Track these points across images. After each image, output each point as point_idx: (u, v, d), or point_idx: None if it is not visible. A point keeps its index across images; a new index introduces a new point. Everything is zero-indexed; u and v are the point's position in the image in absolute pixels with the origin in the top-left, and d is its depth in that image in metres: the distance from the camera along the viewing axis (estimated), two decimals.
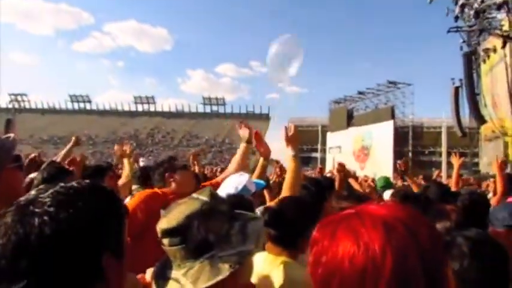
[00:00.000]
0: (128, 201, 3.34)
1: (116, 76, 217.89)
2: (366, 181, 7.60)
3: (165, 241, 1.13)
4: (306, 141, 48.87)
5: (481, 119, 22.67)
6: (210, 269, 1.07)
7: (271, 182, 5.11)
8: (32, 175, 3.86)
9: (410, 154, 41.27)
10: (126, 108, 72.28)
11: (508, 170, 17.86)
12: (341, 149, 41.31)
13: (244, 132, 3.42)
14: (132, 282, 0.96)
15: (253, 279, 1.48)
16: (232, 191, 2.63)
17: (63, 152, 5.33)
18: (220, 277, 1.06)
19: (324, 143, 45.94)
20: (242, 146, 3.43)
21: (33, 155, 4.59)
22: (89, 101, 73.37)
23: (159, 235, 1.15)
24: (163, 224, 1.14)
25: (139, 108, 72.12)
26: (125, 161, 4.43)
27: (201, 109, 70.92)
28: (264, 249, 1.94)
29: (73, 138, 5.68)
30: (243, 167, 3.26)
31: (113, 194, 0.94)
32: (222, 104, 70.83)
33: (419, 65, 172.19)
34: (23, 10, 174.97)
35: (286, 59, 4.31)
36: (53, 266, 0.76)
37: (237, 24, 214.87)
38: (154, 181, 3.31)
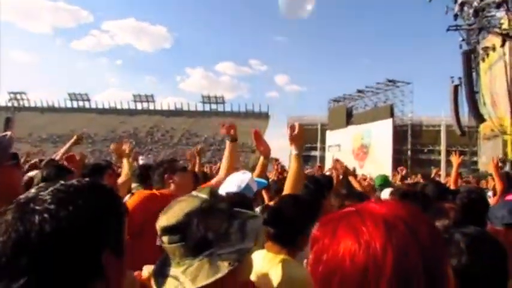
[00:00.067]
0: (127, 201, 3.35)
1: (115, 74, 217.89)
2: (365, 179, 7.62)
3: (165, 239, 1.13)
4: (305, 139, 48.57)
5: (480, 118, 22.69)
6: (209, 267, 1.07)
7: (270, 180, 5.11)
8: (31, 173, 3.86)
9: (409, 152, 41.36)
10: (125, 107, 72.20)
11: (506, 169, 17.90)
12: (340, 148, 41.41)
13: (226, 132, 3.40)
14: (129, 280, 0.96)
15: (253, 277, 1.48)
16: (234, 189, 2.63)
17: (62, 150, 5.33)
18: (219, 275, 1.06)
19: (323, 141, 46.01)
20: (227, 144, 3.40)
21: (33, 161, 4.58)
22: (88, 100, 73.34)
23: (159, 232, 1.16)
24: (162, 222, 1.14)
25: (139, 106, 72.09)
26: (124, 159, 4.43)
27: (200, 107, 70.95)
28: (263, 247, 1.95)
29: (75, 136, 5.67)
30: (233, 168, 3.22)
31: (112, 192, 0.94)
32: (222, 103, 70.82)
33: (418, 63, 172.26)
34: (22, 8, 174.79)
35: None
36: (53, 263, 0.76)
37: (237, 22, 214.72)
38: (153, 182, 3.31)
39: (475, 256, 1.24)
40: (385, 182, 5.83)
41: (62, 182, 0.86)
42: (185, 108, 71.53)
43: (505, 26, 19.06)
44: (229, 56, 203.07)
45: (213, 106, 70.77)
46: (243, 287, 1.25)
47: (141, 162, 7.00)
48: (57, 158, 4.69)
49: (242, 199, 1.99)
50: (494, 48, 21.54)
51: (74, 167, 3.62)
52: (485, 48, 22.39)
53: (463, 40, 21.98)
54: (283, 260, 1.86)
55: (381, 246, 0.68)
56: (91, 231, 0.81)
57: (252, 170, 3.49)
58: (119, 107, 72.38)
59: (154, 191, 3.21)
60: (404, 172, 5.50)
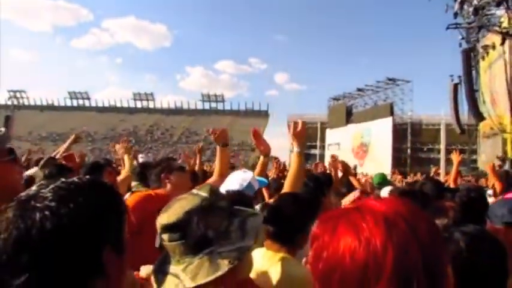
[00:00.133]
0: (126, 199, 3.35)
1: (115, 73, 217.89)
2: (365, 179, 7.63)
3: (165, 236, 1.13)
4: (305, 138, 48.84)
5: (479, 116, 22.69)
6: (209, 265, 1.08)
7: (269, 178, 5.11)
8: (30, 171, 3.87)
9: (409, 151, 41.35)
10: (125, 105, 72.11)
11: (506, 167, 17.91)
12: (340, 146, 41.42)
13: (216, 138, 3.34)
14: (130, 279, 0.96)
15: (252, 275, 1.48)
16: (236, 187, 2.63)
17: (62, 148, 5.33)
18: (219, 273, 1.06)
19: (323, 139, 46.00)
20: (218, 149, 3.32)
21: (37, 158, 4.59)
22: (88, 98, 73.23)
23: (159, 230, 1.16)
24: (163, 220, 1.14)
25: (138, 105, 72.00)
26: (125, 157, 4.43)
27: (200, 106, 70.84)
28: (263, 245, 1.95)
29: (73, 135, 5.68)
30: (225, 172, 3.19)
31: (113, 190, 0.94)
32: (221, 101, 70.74)
33: (418, 61, 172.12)
34: (22, 6, 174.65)
35: None
36: (54, 260, 0.76)
37: (236, 21, 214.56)
38: (150, 181, 3.31)
39: (475, 255, 1.24)
40: (383, 181, 5.83)
41: (63, 179, 0.86)
42: (185, 106, 71.45)
43: (505, 24, 19.05)
44: (229, 54, 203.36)
45: (213, 104, 70.74)
46: (242, 284, 1.25)
47: (140, 160, 7.00)
48: (58, 156, 4.70)
49: (242, 197, 1.99)
50: (494, 47, 21.52)
51: (73, 166, 3.63)
52: (485, 47, 22.38)
53: (463, 38, 21.97)
54: (283, 258, 1.86)
55: (381, 243, 0.68)
56: (92, 229, 0.81)
57: (252, 168, 3.49)
58: (118, 105, 72.29)
59: (150, 191, 3.21)
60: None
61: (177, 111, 69.57)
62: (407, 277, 0.67)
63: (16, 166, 1.74)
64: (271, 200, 2.46)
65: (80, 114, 68.00)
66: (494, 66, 22.38)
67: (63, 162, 3.94)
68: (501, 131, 22.43)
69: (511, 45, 20.40)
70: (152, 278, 1.17)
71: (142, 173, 4.29)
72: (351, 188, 4.65)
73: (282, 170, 6.74)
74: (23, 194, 0.84)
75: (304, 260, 1.89)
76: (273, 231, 1.93)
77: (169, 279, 1.10)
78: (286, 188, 2.59)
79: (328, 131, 45.13)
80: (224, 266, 1.07)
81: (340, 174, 5.22)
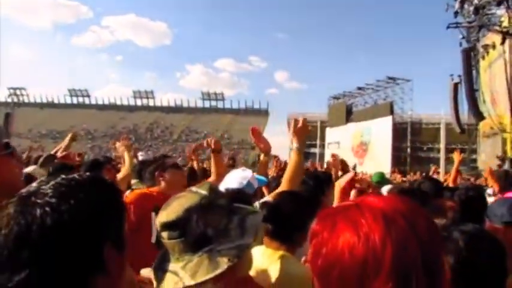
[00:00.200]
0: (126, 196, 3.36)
1: (115, 70, 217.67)
2: (362, 175, 7.63)
3: (164, 234, 1.13)
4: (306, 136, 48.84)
5: (479, 116, 22.69)
6: (208, 263, 1.08)
7: (269, 177, 5.10)
8: (29, 169, 3.87)
9: (408, 150, 41.37)
10: (125, 103, 72.01)
11: (506, 167, 17.91)
12: (340, 145, 41.42)
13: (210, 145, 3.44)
14: (129, 277, 0.96)
15: (251, 273, 1.48)
16: (236, 186, 2.63)
17: (62, 146, 5.33)
18: (218, 271, 1.06)
19: (322, 138, 46.00)
20: (212, 155, 3.45)
21: (36, 156, 4.59)
22: (88, 96, 73.11)
23: (158, 228, 1.16)
24: (162, 217, 1.14)
25: (138, 102, 71.89)
26: (125, 154, 4.44)
27: (200, 104, 70.76)
28: (262, 243, 1.95)
29: (70, 134, 5.69)
30: (222, 175, 3.22)
31: (113, 187, 0.94)
32: (221, 99, 70.64)
33: (418, 61, 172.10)
34: (22, 4, 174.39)
35: None
36: (55, 256, 0.76)
37: (237, 19, 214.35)
38: (145, 179, 3.32)
39: (474, 254, 1.24)
40: (382, 179, 5.82)
41: (63, 176, 0.87)
42: (185, 104, 71.36)
43: (505, 23, 19.04)
44: (229, 52, 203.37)
45: (213, 103, 70.65)
46: (242, 282, 1.25)
47: (140, 158, 7.00)
48: (58, 154, 4.70)
49: (242, 195, 1.99)
50: (494, 46, 21.51)
51: (72, 165, 3.64)
52: (485, 46, 22.37)
53: (463, 38, 21.96)
54: (282, 256, 1.86)
55: (380, 239, 0.68)
56: (92, 225, 0.81)
57: (252, 166, 3.50)
58: (118, 103, 72.20)
59: (145, 189, 3.22)
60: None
61: (177, 109, 69.51)
62: (406, 273, 0.67)
63: (14, 160, 1.74)
64: (270, 198, 2.45)
65: (80, 111, 67.93)
66: (494, 65, 22.37)
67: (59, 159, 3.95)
68: (501, 130, 22.44)
69: (511, 45, 20.39)
70: (152, 277, 1.17)
71: (142, 171, 4.30)
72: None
73: (282, 168, 6.72)
74: (23, 190, 0.84)
75: (303, 259, 1.89)
76: (272, 229, 1.93)
77: (169, 276, 1.11)
78: (283, 184, 2.57)
79: (328, 130, 45.13)
80: (223, 263, 1.07)
81: (340, 173, 5.21)
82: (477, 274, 1.22)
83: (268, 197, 2.59)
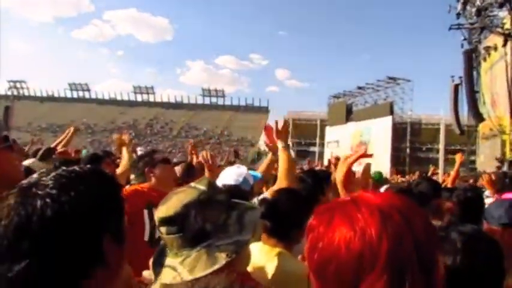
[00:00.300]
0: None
1: (116, 65, 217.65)
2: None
3: (163, 229, 1.14)
4: (304, 135, 48.89)
5: (479, 117, 22.68)
6: (207, 258, 1.08)
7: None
8: (27, 162, 3.87)
9: (408, 150, 41.42)
10: (126, 98, 71.98)
11: (504, 168, 17.92)
12: (339, 144, 41.40)
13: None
14: (127, 271, 0.96)
15: (249, 269, 1.49)
16: (232, 182, 2.64)
17: (63, 140, 5.34)
18: (217, 266, 1.06)
19: (322, 137, 46.01)
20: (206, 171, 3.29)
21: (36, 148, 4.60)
22: (88, 90, 73.05)
23: (157, 223, 1.16)
24: (161, 212, 1.15)
25: (139, 98, 71.87)
26: (124, 150, 4.44)
27: (200, 101, 70.70)
28: (260, 239, 1.96)
29: (71, 128, 5.69)
30: (217, 171, 3.20)
31: (113, 180, 0.95)
32: (222, 96, 70.56)
33: (419, 61, 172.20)
34: None
35: None
36: (55, 247, 0.77)
37: (238, 16, 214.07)
38: (135, 176, 3.30)
39: (471, 255, 1.24)
40: (380, 178, 5.85)
41: (64, 168, 0.87)
42: (185, 101, 71.30)
43: (507, 25, 19.03)
44: (230, 49, 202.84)
45: (213, 99, 70.62)
46: (239, 278, 1.25)
47: (139, 153, 6.99)
48: (58, 148, 4.71)
49: (239, 191, 1.99)
50: (495, 48, 21.49)
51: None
52: (487, 48, 22.35)
53: (465, 39, 21.96)
54: (280, 253, 1.87)
55: (376, 233, 0.69)
56: (92, 217, 0.82)
57: (251, 163, 3.50)
58: (119, 98, 72.16)
59: (136, 186, 3.22)
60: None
61: (177, 106, 69.47)
62: (401, 268, 0.68)
63: (13, 153, 1.74)
64: (268, 194, 2.46)
65: (80, 106, 67.89)
66: (495, 67, 22.36)
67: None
68: (500, 132, 22.42)
69: None
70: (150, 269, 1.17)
71: None
72: None
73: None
74: (24, 181, 0.84)
75: (300, 257, 1.90)
76: (270, 226, 1.94)
77: (167, 271, 1.11)
78: (280, 182, 2.57)
79: (327, 129, 45.11)
80: (222, 259, 1.08)
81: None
82: (475, 275, 1.22)
83: (266, 194, 2.60)
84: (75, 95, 72.83)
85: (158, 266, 1.15)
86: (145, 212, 2.91)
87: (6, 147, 1.65)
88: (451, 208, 2.67)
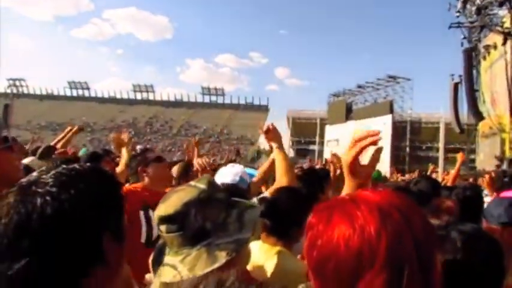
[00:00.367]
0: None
1: (116, 64, 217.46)
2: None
3: (162, 228, 1.13)
4: (304, 133, 48.87)
5: (479, 116, 22.69)
6: (207, 257, 1.08)
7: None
8: (26, 160, 3.87)
9: (407, 149, 41.43)
10: (125, 96, 71.95)
11: (504, 167, 17.93)
12: (339, 142, 41.37)
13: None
14: (126, 271, 0.96)
15: (249, 268, 1.49)
16: (229, 181, 2.63)
17: (63, 138, 5.33)
18: (217, 264, 1.06)
19: (322, 135, 46.01)
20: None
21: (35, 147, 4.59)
22: (88, 88, 73.01)
23: (156, 222, 1.16)
24: (160, 211, 1.14)
25: (138, 96, 71.83)
26: (123, 149, 4.44)
27: (200, 99, 70.64)
28: (259, 238, 1.96)
29: (76, 127, 5.68)
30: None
31: (113, 178, 0.95)
32: (221, 95, 70.53)
33: (419, 60, 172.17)
34: None
35: None
36: (55, 245, 0.77)
37: (238, 14, 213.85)
38: (129, 176, 3.28)
39: (471, 254, 1.24)
40: (378, 177, 5.85)
41: (64, 165, 0.87)
42: (185, 99, 71.25)
43: (507, 24, 19.02)
44: (229, 48, 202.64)
45: (213, 98, 70.57)
46: (239, 276, 1.25)
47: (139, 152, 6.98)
48: (58, 145, 4.70)
49: (237, 190, 1.99)
50: (495, 47, 21.48)
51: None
52: (487, 47, 22.34)
53: (465, 38, 21.95)
54: (279, 252, 1.87)
55: (376, 230, 0.69)
56: (92, 215, 0.81)
57: (251, 162, 3.49)
58: (118, 96, 72.13)
59: (129, 186, 3.19)
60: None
61: (177, 104, 69.42)
62: (400, 266, 0.68)
63: (13, 154, 1.74)
64: (267, 194, 2.46)
65: (80, 104, 67.84)
66: (495, 66, 22.35)
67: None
68: (500, 130, 22.42)
69: None
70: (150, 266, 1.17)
71: None
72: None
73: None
74: (24, 179, 0.84)
75: (299, 256, 1.90)
76: (269, 225, 1.94)
77: (167, 270, 1.11)
78: (279, 181, 2.56)
79: (327, 127, 45.12)
80: (222, 257, 1.07)
81: (338, 171, 5.21)
82: (475, 274, 1.22)
83: (266, 193, 2.60)
84: (74, 93, 72.79)
85: (158, 265, 1.15)
86: (142, 213, 2.90)
87: (6, 147, 1.65)
88: (451, 207, 2.67)
